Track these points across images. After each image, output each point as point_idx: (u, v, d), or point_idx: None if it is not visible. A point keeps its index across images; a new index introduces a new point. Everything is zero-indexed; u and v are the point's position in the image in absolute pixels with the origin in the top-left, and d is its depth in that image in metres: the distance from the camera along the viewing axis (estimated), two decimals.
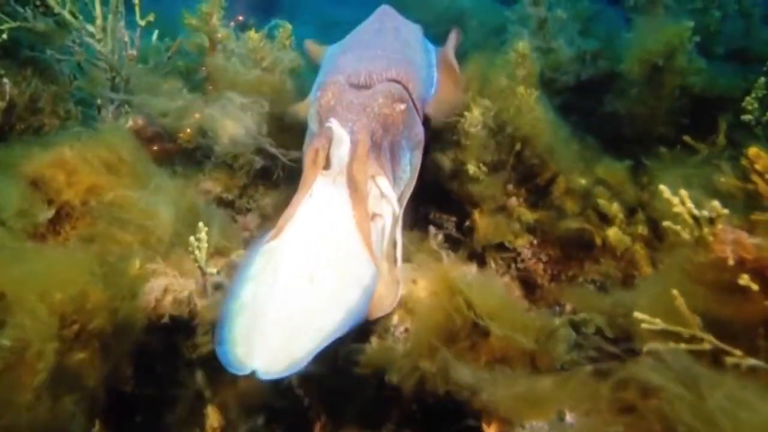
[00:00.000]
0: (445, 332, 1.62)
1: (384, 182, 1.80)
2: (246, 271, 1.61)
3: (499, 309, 1.61)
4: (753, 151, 1.51)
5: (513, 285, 2.33)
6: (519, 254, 2.30)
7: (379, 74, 2.01)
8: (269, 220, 2.48)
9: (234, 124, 2.22)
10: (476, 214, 2.29)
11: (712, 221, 1.37)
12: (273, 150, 2.31)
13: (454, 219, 2.41)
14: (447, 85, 2.37)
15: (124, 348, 1.75)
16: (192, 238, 1.71)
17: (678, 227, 1.42)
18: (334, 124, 1.75)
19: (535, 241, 2.28)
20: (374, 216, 1.79)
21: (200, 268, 1.77)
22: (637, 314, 1.37)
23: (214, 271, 1.84)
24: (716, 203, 1.37)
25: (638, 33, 2.40)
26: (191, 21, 2.38)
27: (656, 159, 2.22)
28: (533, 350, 1.63)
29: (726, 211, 1.36)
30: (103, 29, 2.35)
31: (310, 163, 1.75)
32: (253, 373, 1.37)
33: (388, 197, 1.80)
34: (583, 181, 2.12)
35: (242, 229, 2.41)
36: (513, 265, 2.32)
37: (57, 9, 2.42)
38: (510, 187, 2.28)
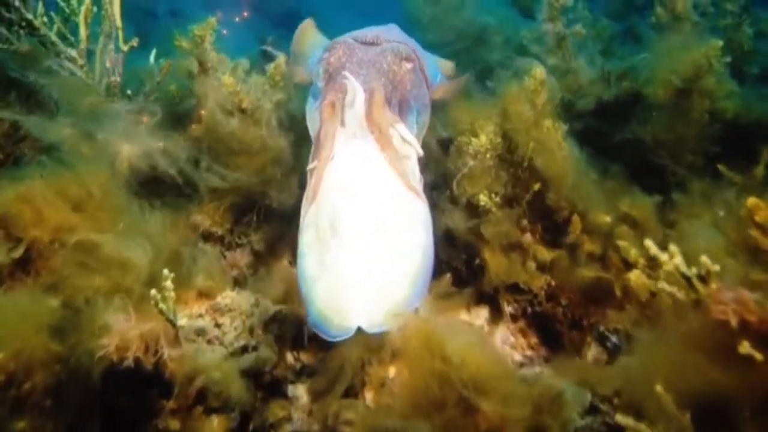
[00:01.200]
0: (431, 399, 1.40)
1: (402, 127, 1.80)
2: (300, 248, 1.60)
3: (487, 379, 1.38)
4: (751, 201, 1.30)
5: (528, 331, 2.11)
6: (535, 296, 2.08)
7: (386, 37, 2.04)
8: (261, 257, 2.29)
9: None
10: (487, 252, 2.07)
11: (703, 279, 1.18)
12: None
13: (463, 257, 2.20)
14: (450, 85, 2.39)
15: (86, 406, 1.55)
16: (153, 291, 1.51)
17: (672, 287, 1.22)
18: (348, 76, 1.74)
19: (553, 282, 2.06)
20: (402, 157, 1.75)
21: (169, 320, 1.57)
22: (619, 418, 1.24)
23: (183, 323, 1.64)
24: (705, 259, 1.19)
25: (662, 53, 2.18)
26: (182, 43, 2.21)
27: (685, 194, 1.99)
28: (537, 418, 1.41)
29: (717, 267, 1.19)
30: (88, 53, 2.20)
31: (328, 117, 1.72)
32: (360, 330, 1.44)
33: (408, 140, 1.79)
34: (606, 219, 1.90)
35: (231, 266, 2.22)
36: (529, 309, 2.10)
37: (43, 30, 2.26)
38: (525, 222, 2.07)
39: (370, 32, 2.05)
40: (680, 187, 2.00)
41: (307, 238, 1.59)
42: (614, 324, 1.87)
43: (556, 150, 1.84)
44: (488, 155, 2.05)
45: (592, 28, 2.56)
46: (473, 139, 2.06)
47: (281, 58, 2.24)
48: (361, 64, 1.88)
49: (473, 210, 2.09)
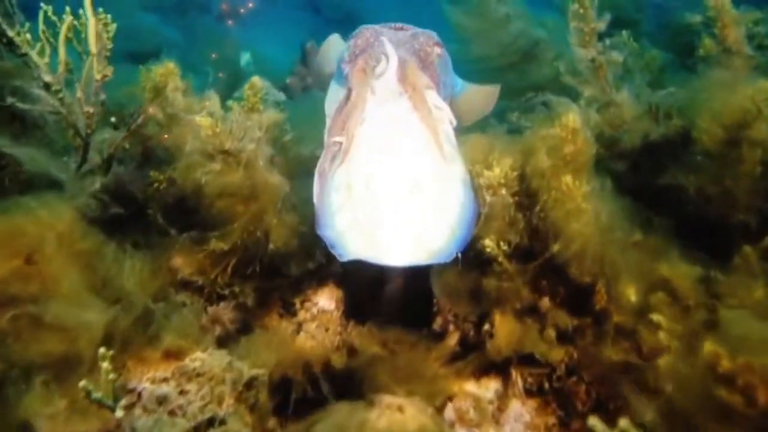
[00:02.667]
0: None
1: (434, 94, 1.71)
2: (328, 208, 1.54)
3: None
4: (709, 348, 1.00)
5: (545, 410, 1.80)
6: (554, 370, 1.77)
7: (411, 28, 2.01)
8: (248, 311, 2.05)
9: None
10: (497, 316, 1.78)
11: None
12: None
13: (472, 317, 1.91)
14: (476, 94, 2.32)
15: None
16: (82, 384, 1.28)
17: None
18: (384, 42, 1.69)
19: (575, 355, 1.75)
20: (436, 119, 1.65)
21: (108, 407, 1.33)
22: None
23: (120, 414, 1.41)
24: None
25: (707, 93, 1.84)
26: (145, 89, 2.00)
27: (733, 261, 1.64)
28: None
29: None
30: (67, 79, 2.01)
31: (359, 81, 1.66)
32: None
33: (440, 107, 1.70)
34: (632, 297, 1.58)
35: (212, 321, 1.99)
36: (546, 384, 1.79)
37: (25, 48, 2.08)
38: (543, 283, 1.76)
39: (395, 24, 2.03)
40: (729, 250, 1.64)
41: (336, 198, 1.54)
42: (642, 416, 1.54)
43: (577, 211, 1.53)
44: (504, 191, 1.76)
45: (639, 58, 2.23)
46: (486, 171, 1.78)
47: (255, 78, 1.99)
48: (390, 41, 1.78)
49: (480, 258, 1.80)
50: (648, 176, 2.08)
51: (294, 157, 2.20)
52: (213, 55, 6.13)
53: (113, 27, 2.02)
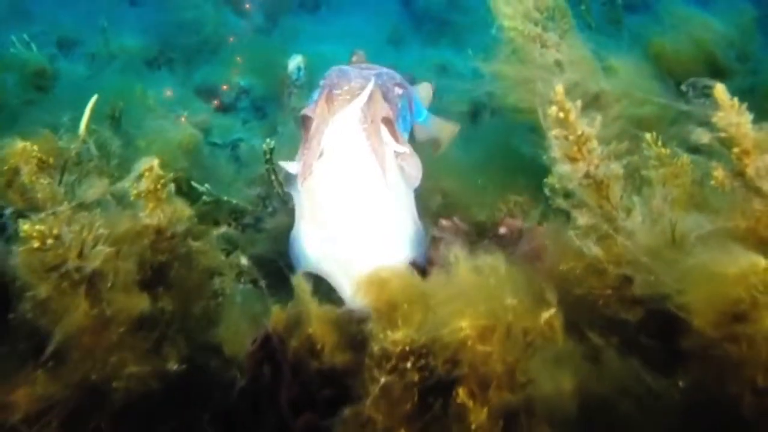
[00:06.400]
0: None
1: (386, 130, 1.86)
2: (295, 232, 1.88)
3: None
4: None
5: None
6: None
7: (376, 67, 2.15)
8: None
9: None
10: None
11: None
12: None
13: None
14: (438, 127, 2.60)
15: None
16: None
17: None
18: (359, 73, 1.85)
19: None
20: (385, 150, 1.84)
21: None
22: None
23: None
24: None
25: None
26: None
27: None
28: None
29: None
30: None
31: (321, 112, 1.77)
32: None
33: (387, 142, 1.85)
34: None
35: None
36: None
37: None
38: None
39: (363, 65, 2.16)
40: None
41: (300, 223, 1.87)
42: None
43: None
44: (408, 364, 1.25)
45: (665, 165, 1.65)
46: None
47: (154, 160, 1.51)
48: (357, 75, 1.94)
49: None
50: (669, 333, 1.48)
51: (202, 270, 1.71)
52: (238, 60, 4.95)
53: None
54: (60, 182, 1.61)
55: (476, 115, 3.74)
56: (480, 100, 3.64)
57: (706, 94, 1.49)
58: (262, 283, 2.10)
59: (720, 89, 1.38)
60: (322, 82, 1.93)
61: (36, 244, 1.34)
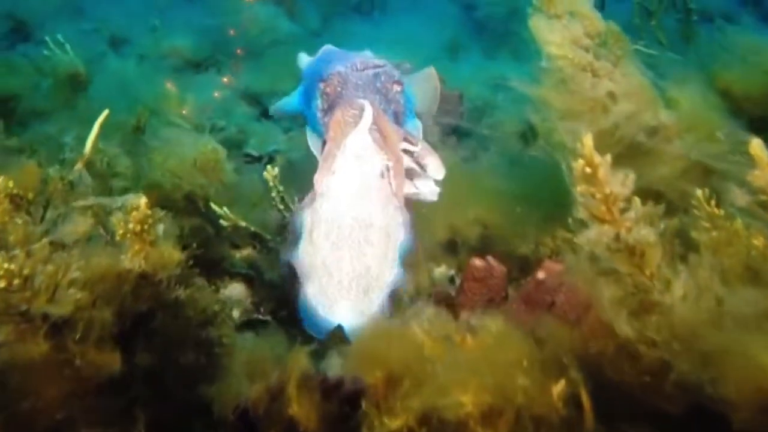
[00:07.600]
0: None
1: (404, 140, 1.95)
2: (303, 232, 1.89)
3: None
4: None
5: None
6: None
7: (371, 62, 2.16)
8: None
9: None
10: None
11: None
12: None
13: None
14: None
15: None
16: None
17: None
18: (361, 103, 1.87)
19: None
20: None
21: None
22: None
23: None
24: None
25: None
26: None
27: None
28: None
29: None
30: None
31: (334, 135, 1.85)
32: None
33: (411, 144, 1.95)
34: None
35: None
36: None
37: None
38: None
39: (357, 59, 2.16)
40: None
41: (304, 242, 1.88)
42: None
43: None
44: None
45: (716, 230, 1.39)
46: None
47: (142, 199, 1.35)
48: (357, 87, 2.03)
49: None
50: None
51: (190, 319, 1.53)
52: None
53: None
54: (42, 218, 1.47)
55: (527, 137, 3.47)
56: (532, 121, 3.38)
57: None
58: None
59: (756, 145, 1.14)
60: (321, 85, 2.11)
61: (2, 284, 1.20)
